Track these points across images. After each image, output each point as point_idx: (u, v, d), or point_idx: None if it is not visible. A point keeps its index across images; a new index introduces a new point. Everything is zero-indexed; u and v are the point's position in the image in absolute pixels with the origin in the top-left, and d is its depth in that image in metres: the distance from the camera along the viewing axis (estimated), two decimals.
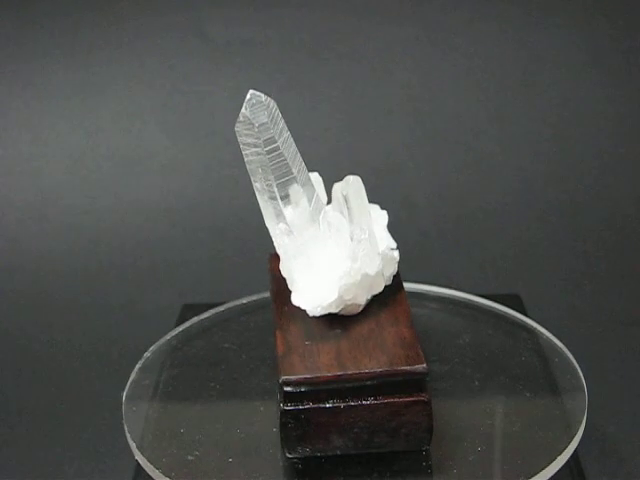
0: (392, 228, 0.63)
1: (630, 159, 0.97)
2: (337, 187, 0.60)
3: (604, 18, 0.99)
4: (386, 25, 0.99)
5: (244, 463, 0.57)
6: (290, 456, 0.55)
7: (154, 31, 0.98)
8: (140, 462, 0.57)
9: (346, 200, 0.57)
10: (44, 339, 0.83)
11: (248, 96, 0.56)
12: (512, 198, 0.96)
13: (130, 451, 0.58)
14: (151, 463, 0.56)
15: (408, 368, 0.54)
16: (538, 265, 0.90)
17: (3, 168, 0.97)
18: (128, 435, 0.58)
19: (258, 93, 0.56)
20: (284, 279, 0.60)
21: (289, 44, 0.99)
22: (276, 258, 0.62)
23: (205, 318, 0.71)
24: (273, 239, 0.58)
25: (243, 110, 0.56)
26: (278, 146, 0.56)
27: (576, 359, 0.64)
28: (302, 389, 0.54)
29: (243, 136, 0.57)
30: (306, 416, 0.54)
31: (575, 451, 0.57)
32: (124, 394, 0.63)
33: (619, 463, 0.67)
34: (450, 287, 0.73)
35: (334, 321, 0.58)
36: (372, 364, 0.54)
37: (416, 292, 0.72)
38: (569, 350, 0.65)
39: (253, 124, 0.56)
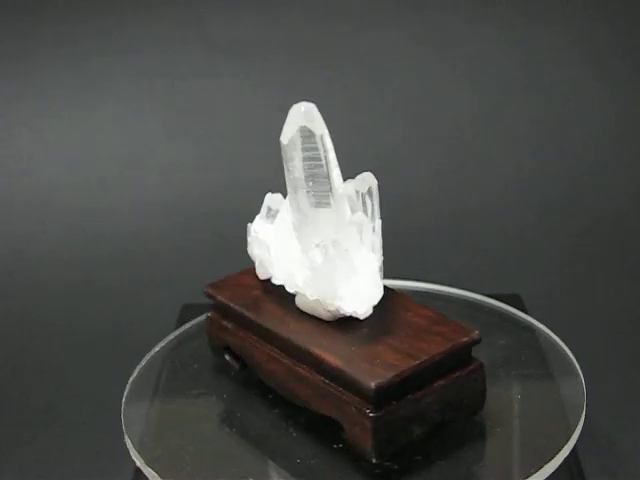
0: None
1: (630, 159, 0.97)
2: (349, 185, 0.60)
3: (604, 18, 0.99)
4: (386, 25, 0.99)
5: (244, 464, 0.57)
6: (377, 462, 0.54)
7: (154, 31, 0.98)
8: (138, 465, 0.57)
9: (370, 194, 0.58)
10: (44, 339, 0.83)
11: (302, 108, 0.54)
12: (512, 198, 0.96)
13: (129, 451, 0.58)
14: (149, 466, 0.56)
15: (467, 339, 0.55)
16: (538, 265, 0.90)
17: (3, 168, 0.97)
18: (127, 437, 0.58)
19: (307, 103, 0.55)
20: (247, 303, 0.61)
21: (289, 44, 0.99)
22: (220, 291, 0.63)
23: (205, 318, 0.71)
24: (308, 254, 0.57)
25: (302, 123, 0.54)
26: (334, 155, 0.56)
27: (576, 358, 0.64)
28: (389, 390, 0.53)
29: (297, 150, 0.55)
30: (394, 416, 0.53)
31: (574, 450, 0.57)
32: (124, 394, 0.63)
33: (619, 463, 0.67)
34: (450, 285, 0.73)
35: (343, 325, 0.58)
36: (434, 347, 0.54)
37: (417, 291, 0.72)
38: (569, 349, 0.65)
39: (315, 134, 0.55)
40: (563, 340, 0.66)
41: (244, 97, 0.99)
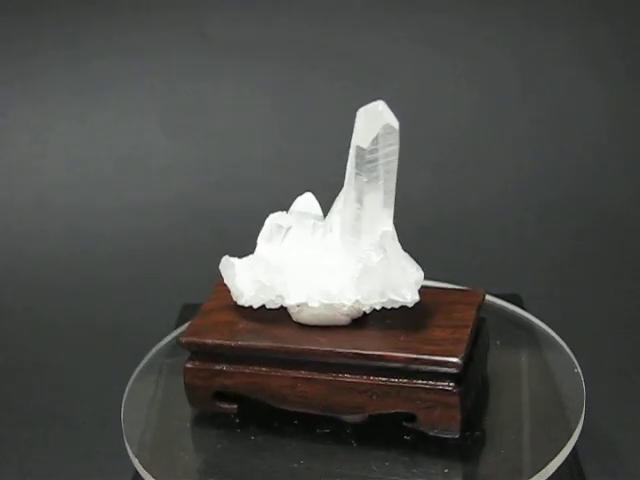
0: None
1: (630, 159, 0.97)
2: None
3: (604, 18, 0.99)
4: (386, 25, 0.99)
5: (244, 464, 0.57)
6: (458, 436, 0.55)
7: (154, 31, 0.98)
8: (137, 468, 0.57)
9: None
10: (44, 339, 0.83)
11: (380, 107, 0.54)
12: (512, 198, 0.96)
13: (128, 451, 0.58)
14: (148, 469, 0.56)
15: (481, 298, 0.59)
16: (538, 265, 0.90)
17: (3, 168, 0.97)
18: (126, 440, 0.58)
19: (379, 102, 0.54)
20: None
21: (289, 44, 0.99)
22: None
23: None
24: (362, 255, 0.56)
25: (385, 121, 0.54)
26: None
27: (576, 358, 0.64)
28: (464, 363, 0.54)
29: (380, 150, 0.54)
30: (467, 386, 0.55)
31: (575, 450, 0.57)
32: (124, 394, 0.63)
33: (619, 463, 0.67)
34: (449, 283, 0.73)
35: (362, 325, 0.58)
36: (466, 314, 0.57)
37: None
38: (569, 349, 0.65)
39: (395, 130, 0.54)
40: (563, 340, 0.66)
41: (244, 97, 0.99)
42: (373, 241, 0.56)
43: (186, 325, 0.70)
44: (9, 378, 0.79)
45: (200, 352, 0.58)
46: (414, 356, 0.54)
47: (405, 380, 0.55)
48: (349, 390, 0.56)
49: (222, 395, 0.59)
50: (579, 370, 0.63)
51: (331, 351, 0.56)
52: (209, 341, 0.58)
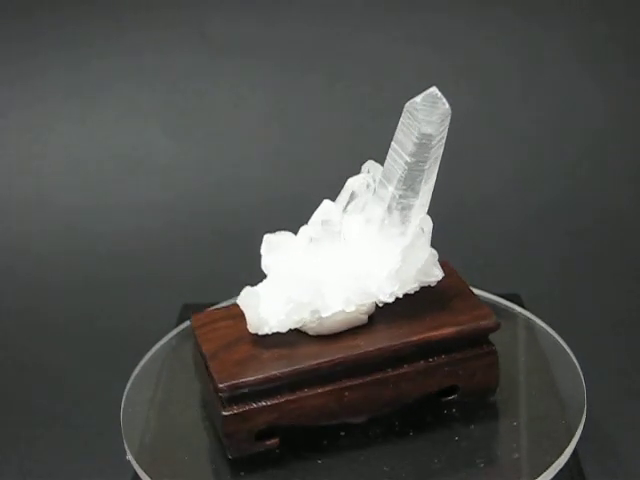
0: None
1: (630, 159, 0.97)
2: (352, 181, 0.60)
3: (604, 18, 0.99)
4: (386, 25, 0.99)
5: (244, 465, 0.57)
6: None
7: (154, 30, 0.98)
8: (136, 470, 0.57)
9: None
10: (44, 339, 0.83)
11: (438, 92, 0.56)
12: (512, 198, 0.96)
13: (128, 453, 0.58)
14: (147, 470, 0.56)
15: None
16: (538, 265, 0.90)
17: (3, 168, 0.97)
18: (125, 441, 0.58)
19: (433, 88, 0.56)
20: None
21: (289, 44, 0.99)
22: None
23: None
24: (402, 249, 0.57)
25: (446, 105, 0.55)
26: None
27: (576, 358, 0.64)
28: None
29: (442, 132, 0.56)
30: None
31: (575, 450, 0.57)
32: (124, 394, 0.63)
33: (619, 463, 0.67)
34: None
35: (380, 317, 0.58)
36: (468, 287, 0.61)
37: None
38: (570, 349, 0.65)
39: (450, 113, 0.55)
40: (563, 339, 0.66)
41: (244, 97, 0.99)
42: (415, 229, 0.57)
43: (186, 324, 0.70)
44: (9, 378, 0.79)
45: (237, 395, 0.54)
46: (456, 331, 0.56)
47: (444, 356, 0.56)
48: (395, 382, 0.56)
49: (262, 433, 0.56)
50: (579, 370, 0.63)
51: (376, 349, 0.56)
52: (251, 379, 0.54)
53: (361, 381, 0.56)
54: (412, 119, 0.55)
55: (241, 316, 0.58)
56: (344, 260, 0.57)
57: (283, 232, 0.59)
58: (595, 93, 0.98)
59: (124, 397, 0.62)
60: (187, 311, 0.73)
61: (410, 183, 0.56)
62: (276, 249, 0.58)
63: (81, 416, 0.73)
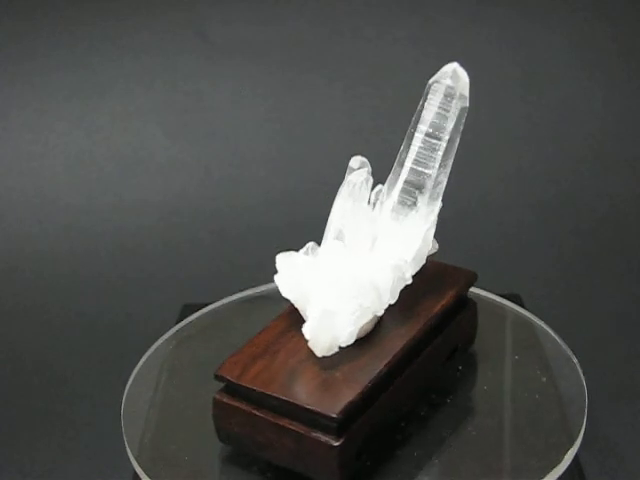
0: None
1: (630, 159, 0.97)
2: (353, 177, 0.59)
3: (604, 18, 0.99)
4: (386, 25, 0.99)
5: (244, 465, 0.57)
6: None
7: (154, 31, 0.98)
8: (136, 469, 0.57)
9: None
10: (44, 339, 0.83)
11: (457, 67, 0.56)
12: (512, 198, 0.96)
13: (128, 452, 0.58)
14: (148, 470, 0.56)
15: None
16: (538, 265, 0.90)
17: (3, 168, 0.97)
18: (126, 441, 0.58)
19: (454, 64, 0.56)
20: None
21: (289, 44, 0.99)
22: None
23: (204, 317, 0.71)
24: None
25: (466, 79, 0.56)
26: None
27: (577, 359, 0.64)
28: None
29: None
30: None
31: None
32: (124, 394, 0.62)
33: (619, 463, 0.67)
34: None
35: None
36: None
37: None
38: (568, 347, 0.65)
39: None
40: (563, 340, 0.66)
41: (244, 97, 0.99)
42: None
43: (185, 324, 0.70)
44: (9, 378, 0.79)
45: (346, 419, 0.51)
46: (454, 293, 0.59)
47: (451, 322, 0.60)
48: (425, 364, 0.57)
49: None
50: (580, 370, 0.63)
51: (411, 338, 0.56)
52: (350, 398, 0.51)
53: (409, 371, 0.56)
54: (445, 97, 0.56)
55: (269, 351, 0.55)
56: (379, 254, 0.57)
57: (284, 254, 0.58)
58: (595, 93, 0.98)
59: (124, 397, 0.62)
60: (187, 311, 0.73)
61: (445, 160, 0.57)
62: (292, 268, 0.56)
63: (81, 416, 0.73)
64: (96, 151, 0.98)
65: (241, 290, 0.72)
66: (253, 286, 0.73)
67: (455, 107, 0.56)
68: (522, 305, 0.74)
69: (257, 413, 0.53)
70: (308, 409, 0.51)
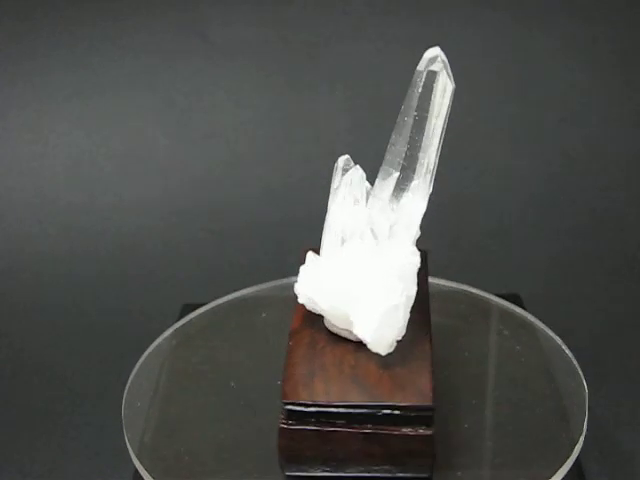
0: None
1: (630, 159, 0.97)
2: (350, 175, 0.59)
3: (604, 17, 0.99)
4: (386, 25, 0.99)
5: (245, 464, 0.57)
6: None
7: (154, 31, 0.98)
8: (138, 468, 0.57)
9: None
10: (44, 339, 0.83)
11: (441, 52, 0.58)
12: (512, 198, 0.96)
13: (129, 452, 0.58)
14: (148, 469, 0.56)
15: None
16: (538, 265, 0.90)
17: (3, 168, 0.97)
18: (127, 439, 0.58)
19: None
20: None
21: (289, 44, 0.99)
22: None
23: (205, 317, 0.71)
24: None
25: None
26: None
27: (576, 359, 0.64)
28: None
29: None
30: None
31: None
32: (124, 394, 0.63)
33: (619, 463, 0.67)
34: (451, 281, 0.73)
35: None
36: None
37: None
38: (569, 350, 0.65)
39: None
40: (564, 340, 0.66)
41: (244, 97, 0.99)
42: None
43: (185, 323, 0.70)
44: (9, 378, 0.79)
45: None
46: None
47: None
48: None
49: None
50: (580, 371, 0.63)
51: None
52: (431, 381, 0.53)
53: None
54: (430, 81, 0.56)
55: (315, 366, 0.55)
56: (391, 244, 0.57)
57: (310, 257, 0.58)
58: (595, 93, 0.98)
59: (124, 397, 0.62)
60: (187, 311, 0.73)
61: (435, 144, 0.58)
62: (314, 277, 0.56)
63: (81, 416, 0.73)
64: (96, 151, 0.98)
65: (241, 289, 0.72)
66: (252, 285, 0.73)
67: (440, 90, 0.56)
68: (522, 305, 0.74)
69: (337, 429, 0.52)
70: (401, 406, 0.51)
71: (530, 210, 0.95)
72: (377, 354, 0.54)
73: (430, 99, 0.56)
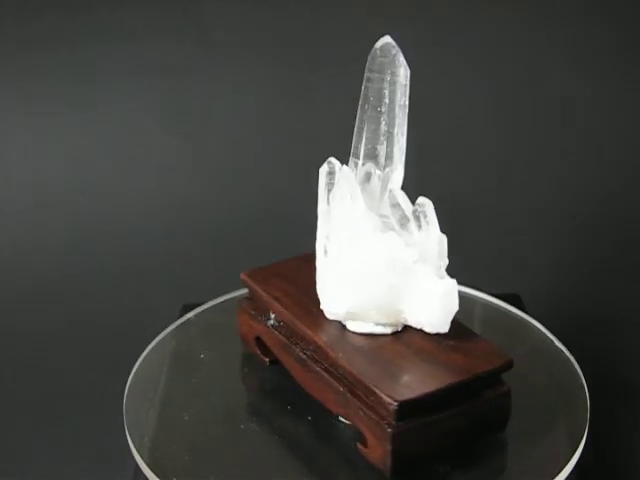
0: None
1: (631, 159, 0.97)
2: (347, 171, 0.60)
3: (604, 17, 0.99)
4: (387, 25, 0.99)
5: (245, 464, 0.57)
6: None
7: (154, 30, 0.98)
8: (140, 465, 0.57)
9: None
10: (44, 339, 0.83)
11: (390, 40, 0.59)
12: (512, 198, 0.96)
13: (129, 451, 0.58)
14: (150, 466, 0.56)
15: None
16: (538, 265, 0.90)
17: (3, 168, 0.97)
18: (129, 437, 0.58)
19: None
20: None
21: (289, 44, 0.99)
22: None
23: (204, 317, 0.71)
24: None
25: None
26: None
27: (576, 360, 0.64)
28: None
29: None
30: None
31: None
32: (124, 394, 0.63)
33: (619, 464, 0.67)
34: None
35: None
36: None
37: None
38: (568, 350, 0.65)
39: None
40: (563, 340, 0.66)
41: (244, 97, 0.99)
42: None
43: (185, 323, 0.70)
44: (9, 378, 0.79)
45: None
46: None
47: None
48: None
49: None
50: (580, 372, 0.63)
51: None
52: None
53: None
54: (390, 69, 0.58)
55: (385, 362, 0.56)
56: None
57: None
58: (595, 92, 0.98)
59: (125, 396, 0.62)
60: (187, 311, 0.73)
61: (400, 127, 0.59)
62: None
63: (81, 416, 0.73)
64: (96, 151, 0.98)
65: (240, 289, 0.72)
66: None
67: (393, 75, 0.58)
68: (522, 305, 0.74)
69: (440, 415, 0.53)
70: (491, 370, 0.55)
71: (531, 210, 0.95)
72: (409, 340, 0.56)
73: (389, 87, 0.57)
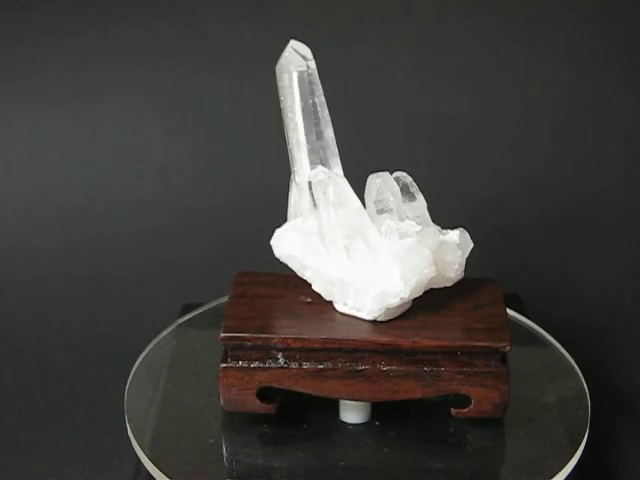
0: None
1: (631, 159, 0.97)
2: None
3: (604, 17, 0.99)
4: (386, 25, 0.99)
5: (245, 463, 0.57)
6: None
7: (154, 30, 0.98)
8: (143, 462, 0.57)
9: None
10: (44, 339, 0.83)
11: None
12: (511, 198, 0.96)
13: (130, 451, 0.59)
14: (154, 463, 0.56)
15: None
16: (538, 265, 0.90)
17: (3, 168, 0.97)
18: (131, 436, 0.58)
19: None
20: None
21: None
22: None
23: (204, 317, 0.71)
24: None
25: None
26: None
27: (576, 361, 0.64)
28: None
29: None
30: None
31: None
32: (124, 394, 0.63)
33: (619, 464, 0.67)
34: None
35: None
36: None
37: None
38: (568, 352, 0.65)
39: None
40: (563, 340, 0.66)
41: (244, 97, 0.99)
42: None
43: (185, 322, 0.70)
44: (9, 377, 0.79)
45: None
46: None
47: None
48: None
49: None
50: (579, 372, 0.63)
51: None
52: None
53: None
54: (292, 72, 0.60)
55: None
56: None
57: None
58: (594, 91, 0.98)
59: (125, 396, 0.62)
60: (187, 311, 0.73)
61: (323, 125, 0.61)
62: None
63: (81, 416, 0.73)
64: (96, 151, 0.98)
65: None
66: None
67: (301, 74, 0.60)
68: (522, 305, 0.74)
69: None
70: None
71: (531, 210, 0.95)
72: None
73: (307, 88, 0.60)
